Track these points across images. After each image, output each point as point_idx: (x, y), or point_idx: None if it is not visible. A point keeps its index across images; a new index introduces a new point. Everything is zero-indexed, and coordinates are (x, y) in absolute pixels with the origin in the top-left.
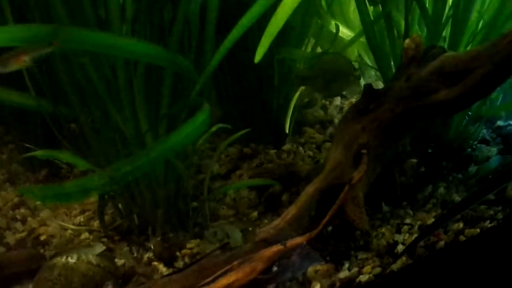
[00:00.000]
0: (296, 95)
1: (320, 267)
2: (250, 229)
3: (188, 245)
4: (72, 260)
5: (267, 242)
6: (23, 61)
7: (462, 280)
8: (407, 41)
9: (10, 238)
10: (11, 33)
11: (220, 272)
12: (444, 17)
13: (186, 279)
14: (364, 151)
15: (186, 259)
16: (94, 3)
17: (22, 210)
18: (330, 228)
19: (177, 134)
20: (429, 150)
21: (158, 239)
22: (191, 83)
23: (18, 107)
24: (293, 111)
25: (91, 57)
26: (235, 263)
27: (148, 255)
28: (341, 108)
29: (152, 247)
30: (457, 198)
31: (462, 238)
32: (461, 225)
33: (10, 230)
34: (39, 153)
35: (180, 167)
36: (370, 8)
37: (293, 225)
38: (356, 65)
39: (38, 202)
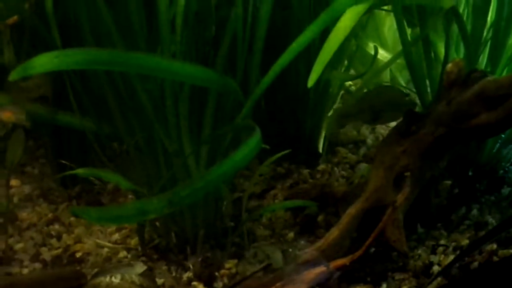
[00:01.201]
0: (329, 114)
1: (360, 287)
2: (290, 250)
3: (227, 265)
4: (116, 280)
5: (309, 264)
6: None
7: None
8: (449, 65)
9: (46, 255)
10: (73, 58)
11: None
12: (483, 40)
13: None
14: (407, 173)
15: (225, 280)
16: (143, 23)
17: (57, 226)
18: (372, 249)
19: (232, 158)
20: (469, 173)
21: (199, 259)
22: (235, 105)
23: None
24: (326, 131)
25: (138, 76)
26: (278, 284)
27: (187, 274)
28: (373, 128)
29: (191, 266)
30: (490, 219)
31: (495, 258)
32: (494, 246)
33: (45, 246)
34: (80, 171)
35: (223, 188)
36: (408, 30)
37: (335, 247)
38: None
39: (72, 218)
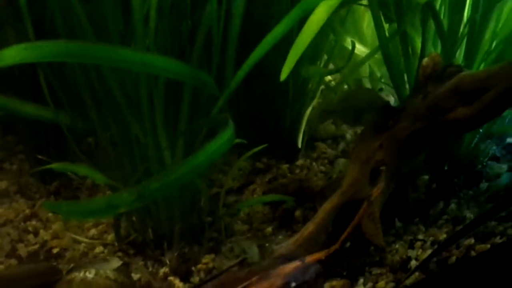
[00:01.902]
0: (309, 110)
1: (336, 282)
2: (266, 245)
3: (203, 260)
4: (90, 275)
5: (285, 258)
6: None
7: None
8: (426, 59)
9: (23, 251)
10: (42, 50)
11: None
12: (459, 35)
13: None
14: (383, 168)
15: (202, 274)
16: (117, 17)
17: (34, 222)
18: (348, 244)
19: (204, 152)
20: (445, 167)
21: (175, 254)
22: (210, 99)
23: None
24: (305, 126)
25: (112, 70)
26: (254, 278)
27: (163, 269)
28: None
29: (168, 261)
30: (468, 214)
31: (473, 253)
32: (472, 240)
33: (22, 242)
34: (56, 165)
35: (200, 183)
36: (386, 25)
37: (311, 241)
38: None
39: (50, 214)
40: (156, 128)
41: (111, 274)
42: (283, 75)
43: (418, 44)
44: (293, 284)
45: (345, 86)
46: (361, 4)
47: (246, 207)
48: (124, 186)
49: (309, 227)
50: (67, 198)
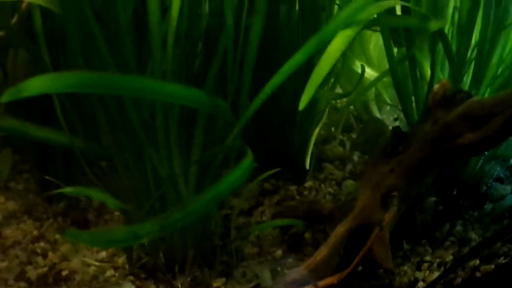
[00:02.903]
0: (316, 131)
1: None
2: (278, 269)
3: (215, 284)
4: None
5: (298, 282)
6: None
7: None
8: (436, 86)
9: (32, 273)
10: (67, 81)
11: None
12: (467, 59)
13: None
14: (394, 193)
15: None
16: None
17: (42, 244)
18: (360, 268)
19: (226, 181)
20: (454, 192)
21: (188, 278)
22: (225, 125)
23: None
24: (312, 148)
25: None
26: None
27: None
28: (358, 145)
29: (179, 285)
30: (473, 235)
31: (478, 274)
32: (477, 262)
33: (31, 264)
34: (68, 190)
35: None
36: (394, 49)
37: (323, 266)
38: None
39: (58, 236)
40: (171, 154)
41: None
42: (302, 104)
43: (426, 68)
44: None
45: (351, 107)
46: (373, 30)
47: (255, 231)
48: (137, 210)
49: (322, 252)
50: (75, 220)
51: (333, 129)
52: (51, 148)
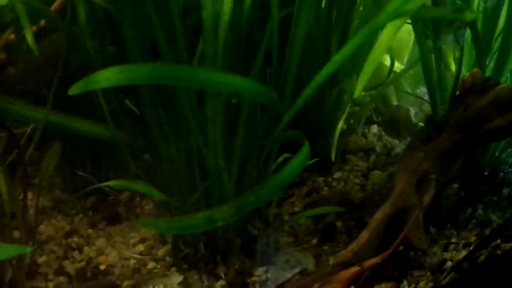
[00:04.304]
0: (341, 123)
1: (385, 285)
2: (320, 255)
3: (256, 273)
4: None
5: (343, 265)
6: None
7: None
8: (467, 74)
9: (70, 268)
10: (138, 73)
11: None
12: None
13: None
14: (433, 176)
15: (257, 286)
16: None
17: (76, 239)
18: (401, 248)
19: (289, 167)
20: (473, 176)
21: (231, 269)
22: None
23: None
24: (337, 139)
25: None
26: (315, 285)
27: (220, 283)
28: (379, 136)
29: (223, 275)
30: (494, 218)
31: (498, 252)
32: (498, 240)
33: (68, 259)
34: (114, 183)
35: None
36: None
37: (365, 249)
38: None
39: (90, 230)
40: (217, 145)
41: None
42: (357, 93)
43: (450, 59)
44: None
45: (368, 99)
46: (406, 22)
47: (291, 221)
48: (182, 204)
49: (364, 236)
50: (106, 214)
51: (352, 121)
52: (80, 142)
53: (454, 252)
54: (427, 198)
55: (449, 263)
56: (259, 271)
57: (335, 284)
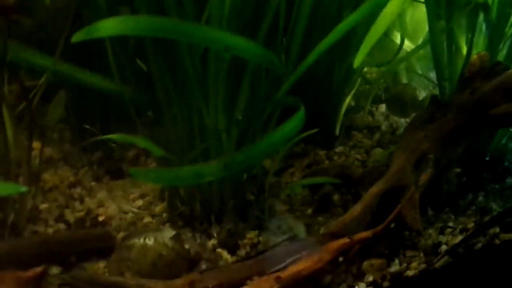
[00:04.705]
0: (348, 99)
1: (375, 261)
2: (311, 224)
3: (248, 236)
4: (149, 242)
5: (333, 236)
6: None
7: (497, 278)
8: (475, 57)
9: (70, 216)
10: (138, 24)
11: (291, 260)
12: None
13: (258, 265)
14: (431, 156)
15: (248, 248)
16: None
17: (79, 190)
18: (392, 225)
19: (281, 130)
20: (477, 163)
21: (224, 230)
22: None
23: (77, 88)
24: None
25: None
26: (304, 252)
27: (212, 242)
28: (387, 116)
29: (215, 234)
30: (494, 206)
31: (497, 241)
32: (497, 230)
33: (69, 208)
34: (115, 136)
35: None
36: None
37: (357, 222)
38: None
39: (93, 183)
40: (217, 107)
41: (168, 243)
42: (357, 63)
43: (461, 41)
44: (341, 259)
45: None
46: (417, 0)
47: (288, 189)
48: (181, 161)
49: (357, 209)
50: (111, 169)
51: (360, 99)
52: (89, 98)
53: (450, 236)
54: (423, 177)
55: (444, 247)
56: (252, 234)
57: (323, 253)
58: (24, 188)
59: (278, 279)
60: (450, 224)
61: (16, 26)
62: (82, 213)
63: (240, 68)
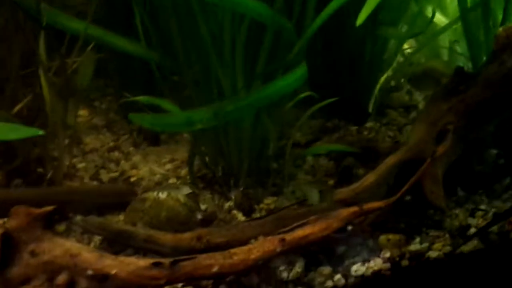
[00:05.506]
0: (383, 77)
1: (392, 236)
2: (327, 190)
3: (266, 201)
4: (162, 195)
5: (344, 203)
6: None
7: None
8: (500, 29)
9: (104, 176)
10: None
11: (297, 224)
12: None
13: (265, 226)
14: (450, 127)
15: (263, 213)
16: None
17: (116, 154)
18: (409, 198)
19: (276, 84)
20: None
21: (241, 189)
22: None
23: (122, 60)
24: (378, 92)
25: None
26: (312, 217)
27: (229, 204)
28: (426, 96)
29: (233, 197)
30: None
31: None
32: None
33: (104, 168)
34: (141, 98)
35: (271, 129)
36: None
37: (370, 192)
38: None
39: (131, 148)
40: (235, 69)
41: (181, 198)
42: (360, 20)
43: (500, 17)
44: (349, 228)
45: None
46: None
47: (312, 160)
48: None
49: (369, 178)
50: (149, 137)
51: (403, 80)
52: (132, 70)
53: (481, 219)
54: (441, 148)
55: (473, 230)
56: (269, 200)
57: (331, 220)
58: (40, 132)
59: (282, 241)
60: (482, 207)
61: None
62: (116, 174)
63: (259, 32)
